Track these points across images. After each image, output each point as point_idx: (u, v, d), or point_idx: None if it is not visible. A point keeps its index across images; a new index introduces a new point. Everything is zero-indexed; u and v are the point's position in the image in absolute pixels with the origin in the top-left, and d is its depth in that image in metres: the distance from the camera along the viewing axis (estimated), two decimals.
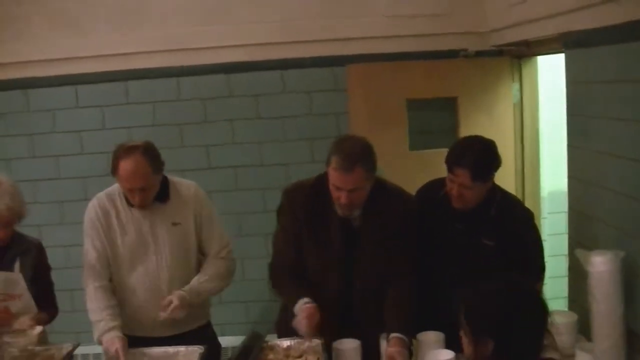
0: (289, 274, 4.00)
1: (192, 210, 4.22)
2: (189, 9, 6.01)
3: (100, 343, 3.93)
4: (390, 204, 3.93)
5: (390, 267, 3.90)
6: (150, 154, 4.00)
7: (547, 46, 5.12)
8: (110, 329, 3.89)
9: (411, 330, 3.78)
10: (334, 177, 3.73)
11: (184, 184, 4.29)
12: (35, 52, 5.96)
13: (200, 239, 4.28)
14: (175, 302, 3.96)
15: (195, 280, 4.17)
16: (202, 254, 4.33)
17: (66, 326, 4.61)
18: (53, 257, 4.42)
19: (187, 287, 4.11)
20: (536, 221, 4.64)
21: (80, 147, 6.15)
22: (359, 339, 3.80)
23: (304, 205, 3.94)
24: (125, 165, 3.93)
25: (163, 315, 3.96)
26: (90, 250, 4.14)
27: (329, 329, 3.85)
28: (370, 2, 6.04)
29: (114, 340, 3.82)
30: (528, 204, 5.86)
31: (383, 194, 3.93)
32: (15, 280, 4.11)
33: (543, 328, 2.71)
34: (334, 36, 5.98)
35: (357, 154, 3.71)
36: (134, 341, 3.96)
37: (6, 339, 3.88)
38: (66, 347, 3.90)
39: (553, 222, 6.35)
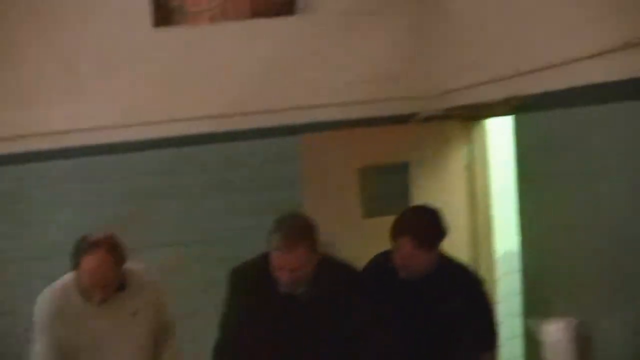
0: None
1: (151, 298, 4.13)
2: (136, 83, 5.95)
3: None
4: (336, 278, 3.89)
5: (340, 343, 3.84)
6: (115, 250, 3.88)
7: (496, 109, 5.13)
8: None
9: None
10: (275, 257, 3.69)
11: (137, 270, 4.16)
12: None
13: (156, 326, 4.17)
14: None
15: None
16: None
17: None
18: None
19: None
20: (490, 282, 4.63)
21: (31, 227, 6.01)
22: None
23: (249, 284, 3.91)
24: (89, 262, 3.80)
25: None
26: (44, 352, 3.93)
27: None
28: (320, 69, 6.07)
29: None
30: (482, 265, 5.88)
31: (328, 269, 3.88)
32: None
33: None
34: (283, 106, 5.99)
35: (297, 233, 3.69)
36: None
37: None
38: None
39: (507, 282, 6.32)
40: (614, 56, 3.29)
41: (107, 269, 3.83)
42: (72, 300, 3.96)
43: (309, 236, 3.72)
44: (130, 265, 4.11)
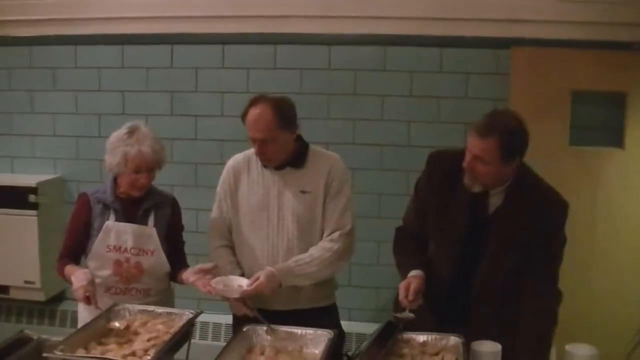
0: (409, 245, 3.84)
1: (325, 179, 4.02)
2: None
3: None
4: (540, 198, 3.61)
5: (523, 266, 3.58)
6: (279, 107, 3.88)
7: None
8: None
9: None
10: (468, 141, 3.48)
11: (325, 155, 4.13)
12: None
13: (325, 213, 4.05)
14: (262, 279, 3.80)
15: (293, 261, 3.96)
16: None
17: (188, 292, 4.37)
18: (183, 220, 4.33)
19: (279, 266, 3.93)
20: None
21: (221, 109, 6.01)
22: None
23: (444, 171, 3.72)
24: (252, 112, 3.87)
25: (247, 290, 3.78)
26: (215, 210, 4.19)
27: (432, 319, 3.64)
28: None
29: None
30: None
31: (533, 186, 3.64)
32: (148, 234, 4.07)
33: None
34: (499, 16, 5.59)
35: (496, 121, 3.44)
36: None
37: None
38: (187, 315, 3.71)
39: None
40: None
41: (266, 122, 3.85)
42: (251, 165, 4.11)
43: (507, 132, 3.41)
44: (319, 149, 4.17)
